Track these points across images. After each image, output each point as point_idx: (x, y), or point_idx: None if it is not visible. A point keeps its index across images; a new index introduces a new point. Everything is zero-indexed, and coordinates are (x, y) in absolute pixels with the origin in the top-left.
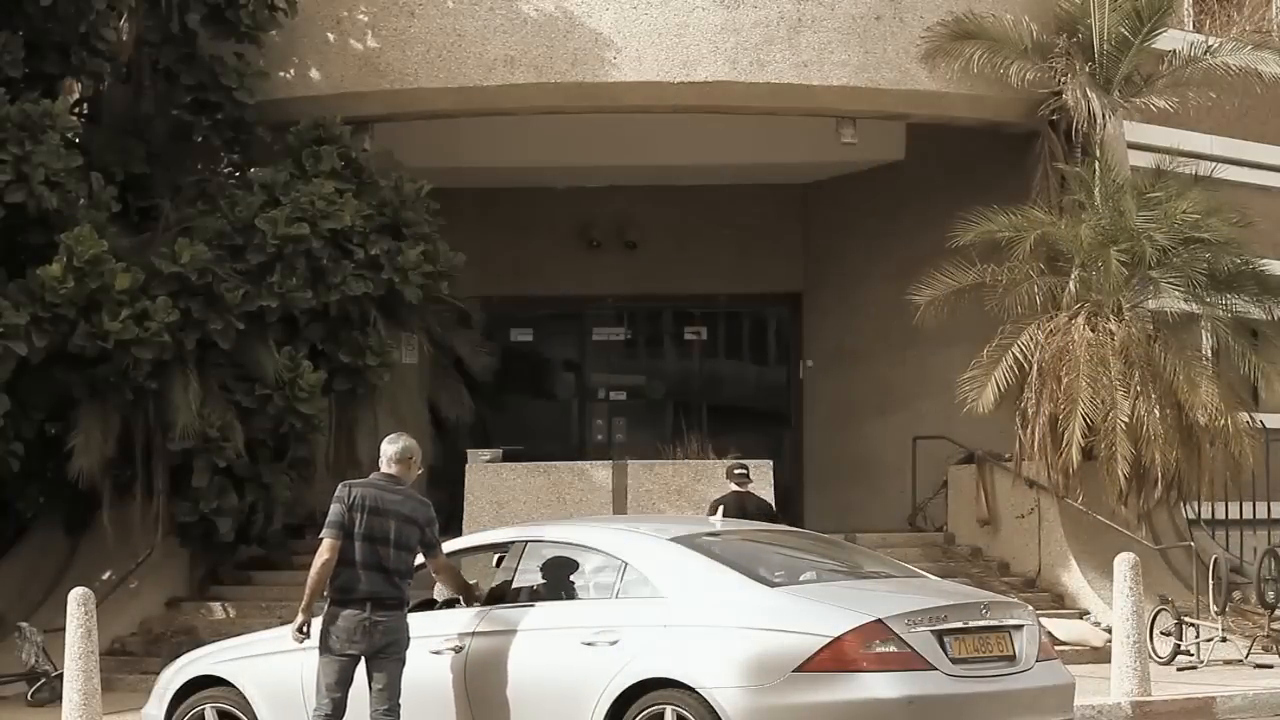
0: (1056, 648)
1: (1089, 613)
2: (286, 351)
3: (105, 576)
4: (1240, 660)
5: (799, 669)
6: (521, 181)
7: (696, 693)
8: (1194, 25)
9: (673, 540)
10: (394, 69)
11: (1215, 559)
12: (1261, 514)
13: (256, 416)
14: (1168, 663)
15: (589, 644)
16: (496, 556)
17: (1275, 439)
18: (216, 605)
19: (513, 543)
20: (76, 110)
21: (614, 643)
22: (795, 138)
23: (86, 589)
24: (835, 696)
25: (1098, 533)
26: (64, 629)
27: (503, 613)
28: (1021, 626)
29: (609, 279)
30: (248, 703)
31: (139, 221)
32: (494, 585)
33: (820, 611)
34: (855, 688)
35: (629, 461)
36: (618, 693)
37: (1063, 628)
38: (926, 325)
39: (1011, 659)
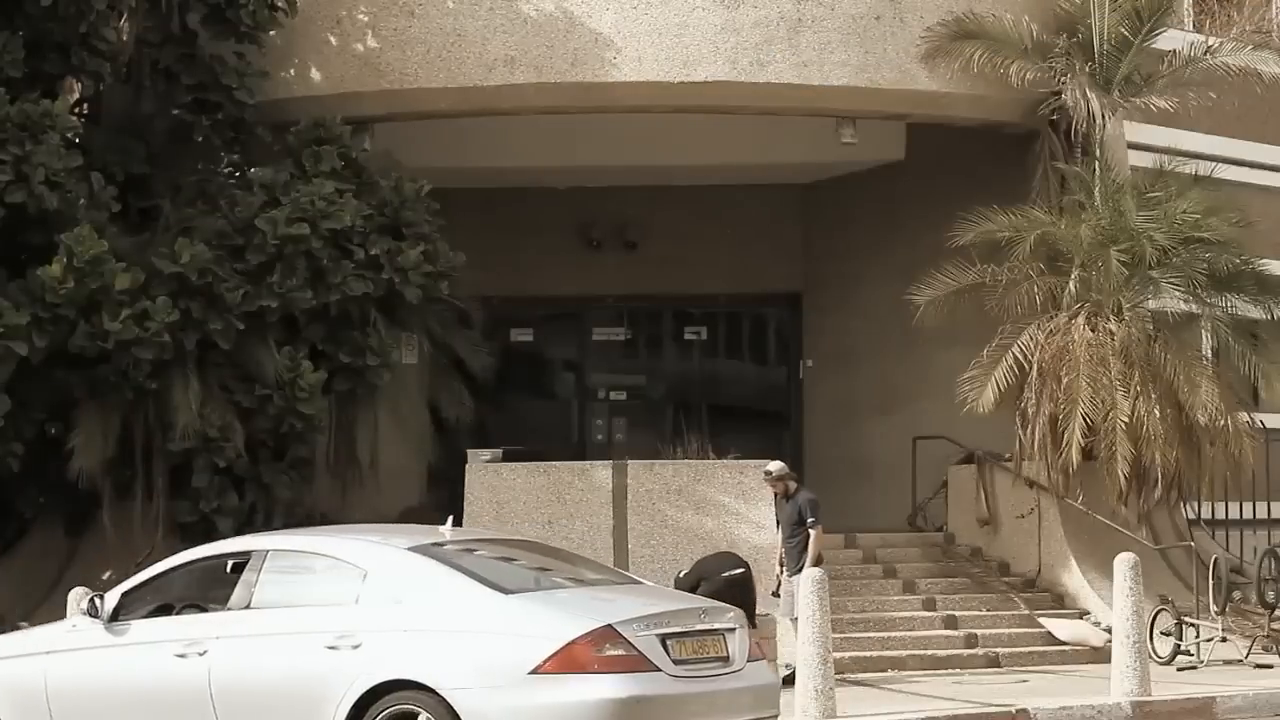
0: (1057, 648)
1: (1089, 613)
2: (286, 351)
3: (105, 576)
4: (1240, 660)
5: (534, 671)
6: (522, 181)
7: (436, 694)
8: (1194, 25)
9: (411, 550)
10: (394, 69)
11: (1215, 559)
12: (1261, 514)
13: (256, 416)
14: (1168, 663)
15: (332, 648)
16: (231, 564)
17: (1275, 439)
18: None
19: (254, 551)
20: (76, 110)
21: (356, 646)
22: (795, 138)
23: (86, 589)
24: (568, 697)
25: (1098, 533)
26: None
27: (246, 617)
28: (734, 630)
29: (609, 279)
30: None
31: (139, 221)
32: (237, 592)
33: (554, 617)
34: (587, 689)
35: (629, 461)
36: (359, 694)
37: (1063, 628)
38: (926, 325)
39: (726, 660)
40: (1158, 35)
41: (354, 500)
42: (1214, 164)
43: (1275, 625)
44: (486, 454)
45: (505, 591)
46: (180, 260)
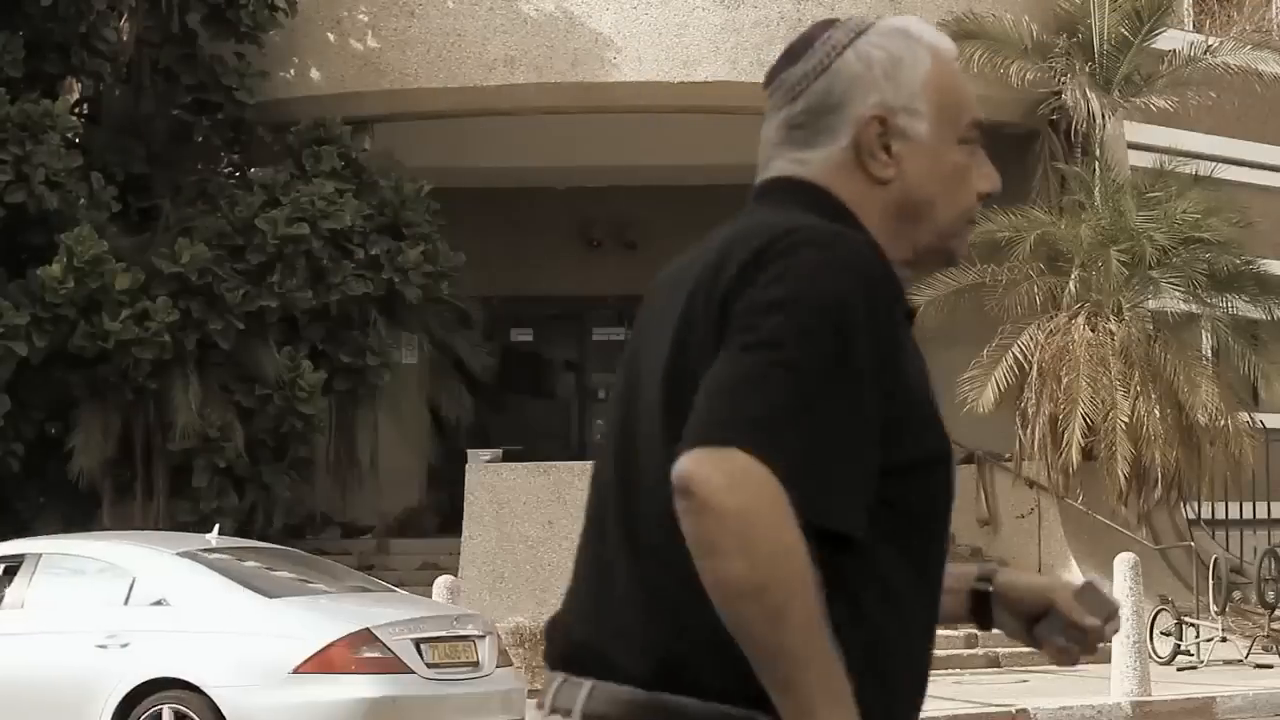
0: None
1: None
2: (286, 351)
3: None
4: (1240, 660)
5: (295, 670)
6: (521, 181)
7: (201, 692)
8: (1194, 25)
9: (178, 555)
10: (394, 69)
11: (1215, 559)
12: (1261, 514)
13: (256, 416)
14: (1168, 663)
15: (101, 646)
16: (4, 566)
17: (1275, 439)
18: None
19: (28, 554)
20: (76, 110)
21: (124, 646)
22: None
23: None
24: (326, 696)
25: (1098, 533)
26: None
27: (19, 617)
28: (484, 636)
29: (609, 279)
30: None
31: (139, 221)
32: (11, 592)
33: (314, 619)
34: (345, 688)
35: None
36: (126, 691)
37: None
38: (926, 325)
39: (476, 665)
40: (1158, 35)
41: (354, 500)
42: (1214, 164)
43: (1275, 625)
44: (486, 454)
45: (269, 595)
46: (180, 260)
